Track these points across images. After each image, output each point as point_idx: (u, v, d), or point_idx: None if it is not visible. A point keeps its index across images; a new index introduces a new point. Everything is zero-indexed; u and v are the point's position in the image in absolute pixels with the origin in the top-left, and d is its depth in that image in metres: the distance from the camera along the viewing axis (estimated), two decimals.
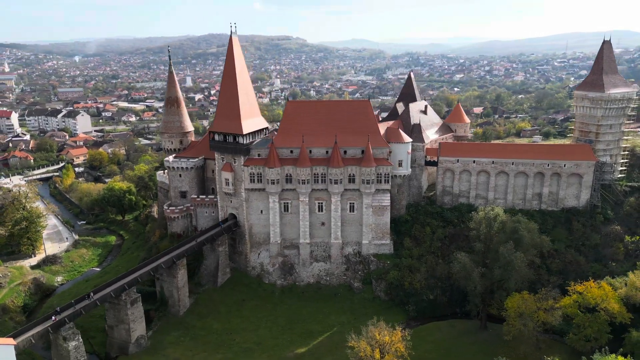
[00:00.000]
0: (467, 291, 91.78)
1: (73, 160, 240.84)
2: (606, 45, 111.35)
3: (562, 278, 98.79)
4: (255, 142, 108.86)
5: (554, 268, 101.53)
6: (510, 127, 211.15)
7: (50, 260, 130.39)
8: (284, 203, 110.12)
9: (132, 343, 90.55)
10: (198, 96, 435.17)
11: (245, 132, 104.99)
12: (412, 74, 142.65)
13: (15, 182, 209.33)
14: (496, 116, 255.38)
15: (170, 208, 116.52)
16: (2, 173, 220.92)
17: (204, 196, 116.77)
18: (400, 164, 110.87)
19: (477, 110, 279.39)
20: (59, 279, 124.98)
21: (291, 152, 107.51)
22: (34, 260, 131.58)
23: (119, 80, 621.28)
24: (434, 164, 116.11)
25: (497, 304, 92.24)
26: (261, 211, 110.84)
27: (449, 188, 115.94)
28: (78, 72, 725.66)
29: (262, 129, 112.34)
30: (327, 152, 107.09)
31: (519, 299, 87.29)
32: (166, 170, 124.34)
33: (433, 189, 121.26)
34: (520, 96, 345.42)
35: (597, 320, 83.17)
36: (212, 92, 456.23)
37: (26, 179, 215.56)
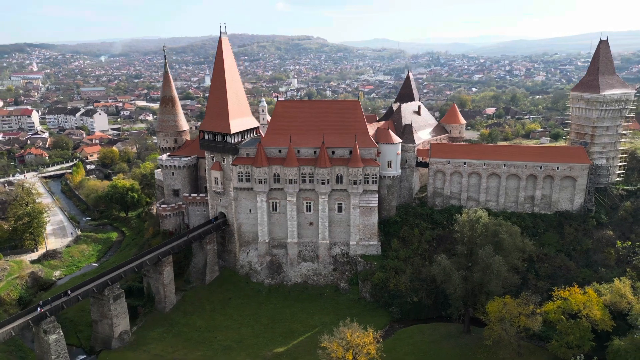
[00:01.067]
0: (448, 294, 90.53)
1: (87, 157, 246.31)
2: (603, 45, 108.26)
3: (551, 283, 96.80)
4: (244, 142, 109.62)
5: (542, 272, 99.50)
6: (519, 129, 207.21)
7: (50, 255, 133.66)
8: (273, 202, 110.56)
9: (115, 338, 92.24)
10: None
11: (233, 131, 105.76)
12: (410, 74, 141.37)
13: (28, 178, 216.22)
14: (508, 117, 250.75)
15: (162, 206, 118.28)
16: (18, 169, 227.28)
17: (195, 194, 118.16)
18: (389, 165, 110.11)
19: (490, 110, 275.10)
20: (57, 273, 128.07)
21: (279, 151, 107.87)
22: (35, 255, 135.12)
23: (141, 79, 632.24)
24: (426, 165, 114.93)
25: (481, 307, 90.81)
26: (250, 210, 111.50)
27: (440, 190, 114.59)
28: (103, 72, 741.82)
29: (253, 129, 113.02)
30: (315, 152, 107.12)
31: (500, 304, 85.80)
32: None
33: (425, 190, 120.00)
34: (537, 97, 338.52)
35: (579, 327, 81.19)
36: None
37: (39, 175, 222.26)
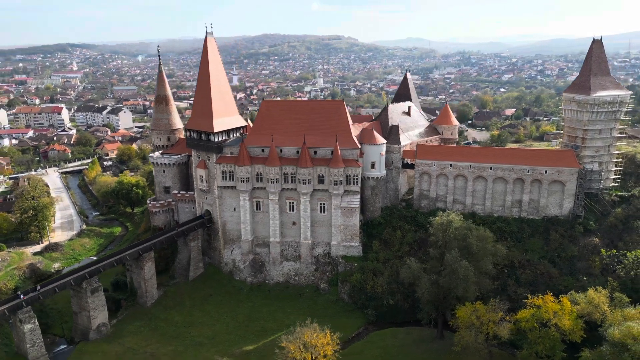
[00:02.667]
0: (418, 297, 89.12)
1: (107, 154, 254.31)
2: (596, 44, 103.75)
3: (531, 290, 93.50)
4: (228, 141, 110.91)
5: (523, 279, 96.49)
6: (533, 130, 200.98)
7: (52, 248, 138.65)
8: (256, 201, 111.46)
9: (92, 330, 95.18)
10: (240, 95, 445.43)
11: (216, 130, 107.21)
12: (408, 74, 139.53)
13: (50, 173, 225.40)
14: (527, 118, 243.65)
15: (152, 202, 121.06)
16: (41, 165, 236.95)
17: (184, 192, 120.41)
18: (372, 166, 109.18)
19: (509, 112, 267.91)
20: (57, 265, 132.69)
21: (262, 151, 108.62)
22: (39, 247, 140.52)
23: (172, 79, 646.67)
24: (412, 166, 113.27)
25: (451, 313, 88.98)
26: (234, 208, 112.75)
27: (426, 192, 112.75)
28: (138, 71, 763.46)
29: (239, 128, 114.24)
30: (297, 152, 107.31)
31: (471, 309, 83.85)
32: None
33: (412, 192, 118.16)
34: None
35: (549, 337, 78.40)
36: (254, 91, 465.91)
37: (60, 170, 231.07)
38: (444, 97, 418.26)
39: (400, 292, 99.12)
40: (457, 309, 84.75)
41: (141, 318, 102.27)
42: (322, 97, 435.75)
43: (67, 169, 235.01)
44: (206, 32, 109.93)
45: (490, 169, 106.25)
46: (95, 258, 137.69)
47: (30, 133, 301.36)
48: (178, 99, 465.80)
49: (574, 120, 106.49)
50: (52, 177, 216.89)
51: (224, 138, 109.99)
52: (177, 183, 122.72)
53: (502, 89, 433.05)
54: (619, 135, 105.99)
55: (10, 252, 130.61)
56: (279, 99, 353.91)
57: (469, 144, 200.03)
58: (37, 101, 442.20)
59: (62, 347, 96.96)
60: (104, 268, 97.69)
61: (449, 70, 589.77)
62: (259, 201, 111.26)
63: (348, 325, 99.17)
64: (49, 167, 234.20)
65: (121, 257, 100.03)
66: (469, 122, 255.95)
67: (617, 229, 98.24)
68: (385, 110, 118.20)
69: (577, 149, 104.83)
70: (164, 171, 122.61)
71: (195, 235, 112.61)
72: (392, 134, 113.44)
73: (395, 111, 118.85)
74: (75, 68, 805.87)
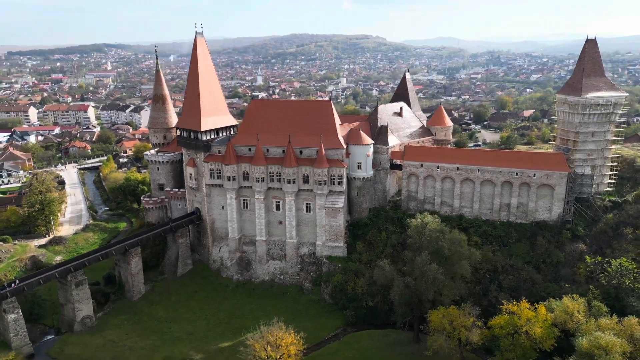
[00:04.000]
0: (391, 300, 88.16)
1: (125, 151, 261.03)
2: (590, 44, 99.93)
3: (514, 296, 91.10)
4: (217, 139, 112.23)
5: (505, 285, 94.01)
6: (547, 132, 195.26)
7: (56, 241, 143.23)
8: (244, 200, 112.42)
9: (77, 322, 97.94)
10: (262, 94, 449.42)
11: (203, 128, 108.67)
12: (407, 74, 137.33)
13: (69, 169, 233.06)
14: (545, 120, 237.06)
15: (145, 199, 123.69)
16: (61, 161, 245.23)
17: (177, 189, 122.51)
18: (359, 166, 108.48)
19: (528, 113, 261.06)
20: (58, 258, 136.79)
21: (249, 150, 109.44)
22: (44, 240, 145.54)
23: None
24: (401, 167, 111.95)
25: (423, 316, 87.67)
26: (222, 207, 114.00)
27: (414, 193, 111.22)
28: (169, 71, 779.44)
29: (229, 127, 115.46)
30: (283, 151, 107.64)
31: (444, 313, 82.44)
32: None
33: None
34: None
35: (520, 344, 76.33)
36: (277, 90, 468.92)
37: (79, 167, 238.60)
38: (467, 97, 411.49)
39: (380, 294, 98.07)
40: (431, 313, 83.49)
41: (126, 312, 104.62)
42: (343, 96, 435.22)
43: (85, 165, 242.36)
44: (196, 32, 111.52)
45: (478, 171, 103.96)
46: None
47: (57, 130, 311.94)
48: None
49: (566, 122, 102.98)
50: (69, 173, 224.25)
51: (212, 137, 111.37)
52: (170, 180, 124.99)
53: (529, 90, 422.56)
54: (614, 138, 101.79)
55: (15, 244, 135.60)
56: (293, 98, 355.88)
57: (479, 145, 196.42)
58: (69, 99, 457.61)
59: (49, 337, 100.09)
60: (90, 262, 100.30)
61: (476, 70, 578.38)
62: (246, 200, 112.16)
63: (327, 325, 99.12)
64: (68, 164, 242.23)
65: (107, 251, 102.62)
66: (485, 123, 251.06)
67: (606, 236, 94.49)
68: (375, 110, 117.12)
69: (567, 152, 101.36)
70: (158, 169, 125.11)
71: (184, 232, 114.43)
72: (380, 134, 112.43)
73: (386, 112, 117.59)
74: (109, 67, 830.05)
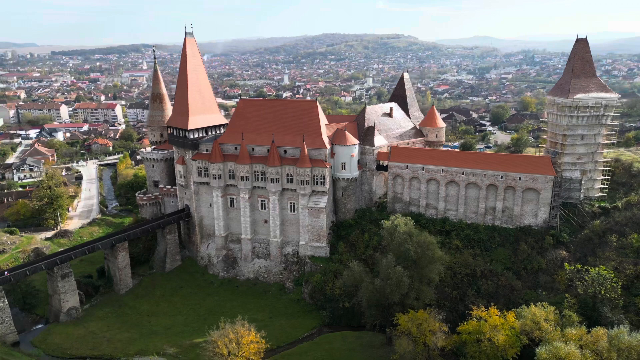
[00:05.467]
0: (360, 301, 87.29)
1: (145, 148, 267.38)
2: (580, 44, 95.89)
3: (491, 302, 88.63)
4: (205, 138, 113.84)
5: (483, 290, 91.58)
6: None
7: (62, 234, 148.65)
8: (230, 198, 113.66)
9: (63, 312, 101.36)
10: (286, 94, 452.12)
11: (190, 127, 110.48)
12: (405, 74, 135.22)
13: (89, 165, 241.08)
14: None
15: (139, 196, 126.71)
16: (83, 157, 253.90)
17: (169, 186, 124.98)
18: (343, 167, 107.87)
19: (546, 115, 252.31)
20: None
21: (235, 149, 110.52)
22: (51, 233, 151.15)
23: (230, 78, 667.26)
24: (387, 168, 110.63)
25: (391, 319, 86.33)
26: (210, 204, 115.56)
27: (400, 195, 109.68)
28: None
29: (218, 126, 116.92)
30: (268, 150, 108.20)
31: (411, 317, 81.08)
32: None
33: None
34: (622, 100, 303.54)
35: (483, 351, 74.28)
36: (301, 90, 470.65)
37: (99, 163, 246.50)
38: (493, 98, 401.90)
39: (356, 296, 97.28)
40: (399, 316, 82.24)
41: (112, 305, 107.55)
42: (367, 96, 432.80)
43: (105, 162, 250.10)
44: (185, 32, 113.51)
45: (463, 173, 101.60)
46: None
47: (85, 127, 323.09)
48: (227, 97, 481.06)
49: (555, 124, 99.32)
50: (89, 169, 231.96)
51: (200, 135, 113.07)
52: (164, 177, 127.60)
53: None
54: (606, 142, 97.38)
55: (22, 236, 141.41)
56: (318, 98, 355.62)
57: (489, 147, 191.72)
58: (103, 98, 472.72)
59: (37, 326, 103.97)
60: (76, 255, 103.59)
61: (507, 70, 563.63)
62: (233, 198, 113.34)
63: (304, 325, 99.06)
64: (90, 160, 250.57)
65: (93, 245, 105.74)
66: (502, 124, 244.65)
67: (591, 243, 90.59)
68: (362, 111, 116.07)
69: (555, 155, 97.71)
70: (153, 166, 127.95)
71: (172, 228, 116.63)
72: (367, 135, 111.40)
73: (375, 112, 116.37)
74: (145, 67, 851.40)
